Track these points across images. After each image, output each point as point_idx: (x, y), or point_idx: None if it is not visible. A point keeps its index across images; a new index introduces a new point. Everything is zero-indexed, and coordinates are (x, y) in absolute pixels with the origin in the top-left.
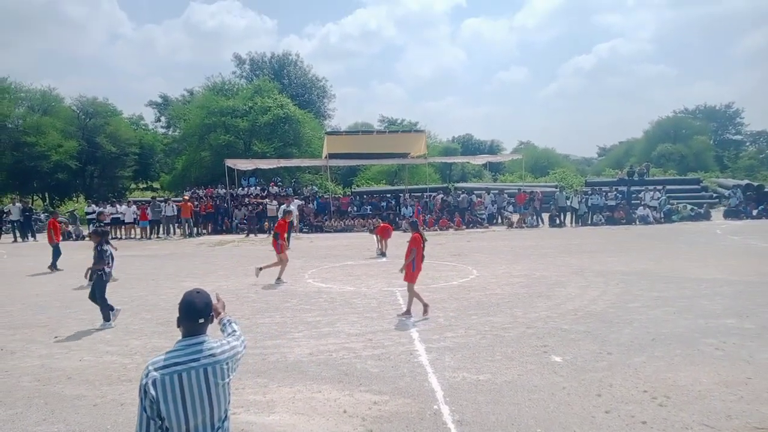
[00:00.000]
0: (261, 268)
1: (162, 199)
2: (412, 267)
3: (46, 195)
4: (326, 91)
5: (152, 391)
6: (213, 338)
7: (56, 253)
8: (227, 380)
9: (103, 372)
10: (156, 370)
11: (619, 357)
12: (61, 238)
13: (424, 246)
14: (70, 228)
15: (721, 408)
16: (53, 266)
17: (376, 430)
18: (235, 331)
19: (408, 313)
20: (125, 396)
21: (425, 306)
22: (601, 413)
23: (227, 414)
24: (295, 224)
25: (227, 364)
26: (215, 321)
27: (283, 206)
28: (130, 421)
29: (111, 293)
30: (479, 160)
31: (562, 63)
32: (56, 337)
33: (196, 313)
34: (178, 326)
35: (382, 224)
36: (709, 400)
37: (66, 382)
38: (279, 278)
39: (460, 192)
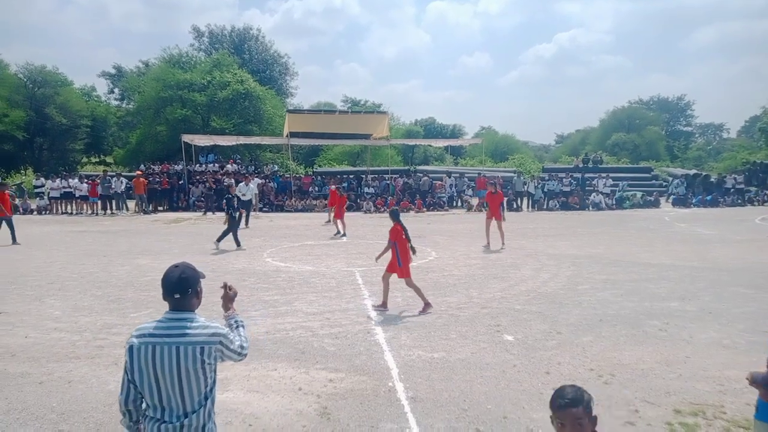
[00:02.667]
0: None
1: (113, 174)
2: (398, 263)
3: None
4: (288, 68)
5: (127, 357)
6: (203, 318)
7: (10, 227)
8: (198, 366)
9: (51, 349)
10: (137, 336)
11: (568, 336)
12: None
13: (407, 237)
14: (17, 201)
15: (661, 385)
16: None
17: (330, 407)
18: (240, 335)
19: (428, 305)
20: (73, 374)
21: (384, 303)
22: (549, 390)
23: (207, 401)
24: (254, 203)
25: (201, 348)
26: (224, 317)
27: (242, 184)
28: (78, 399)
29: (60, 269)
30: (441, 144)
31: (523, 51)
32: (0, 312)
33: (170, 287)
34: (164, 300)
35: (336, 194)
36: (651, 378)
37: (9, 359)
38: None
39: (422, 175)
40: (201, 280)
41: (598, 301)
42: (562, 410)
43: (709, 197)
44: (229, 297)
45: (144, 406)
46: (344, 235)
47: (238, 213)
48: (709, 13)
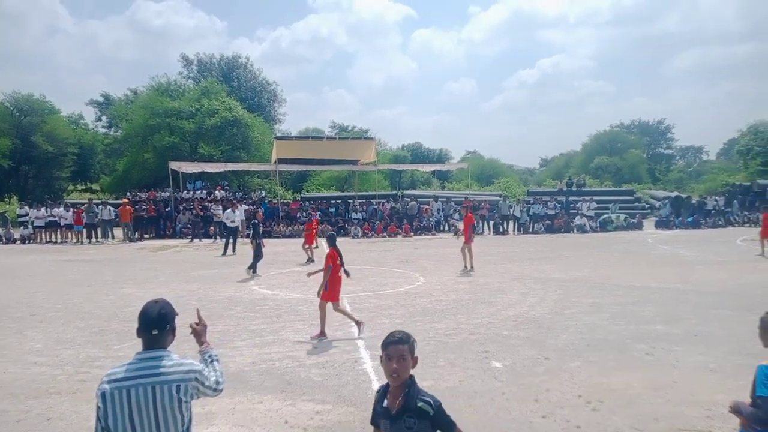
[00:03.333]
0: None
1: (99, 201)
2: (325, 286)
3: None
4: (277, 95)
5: (100, 404)
6: (177, 355)
7: None
8: (175, 404)
9: (30, 384)
10: (108, 382)
11: (556, 362)
12: None
13: (341, 262)
14: (0, 230)
15: (650, 411)
16: None
17: None
18: (215, 369)
19: (360, 323)
20: (53, 410)
21: (321, 332)
22: (538, 418)
23: None
24: (241, 229)
25: (177, 386)
26: (198, 352)
27: (228, 211)
28: None
29: (43, 300)
30: (428, 168)
31: (507, 76)
32: None
33: (149, 323)
34: (138, 336)
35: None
36: (639, 404)
37: None
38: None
39: (409, 199)
40: (175, 317)
41: (585, 325)
42: (392, 346)
43: (690, 219)
44: (198, 332)
45: None
46: (312, 260)
47: (262, 239)
48: (689, 38)
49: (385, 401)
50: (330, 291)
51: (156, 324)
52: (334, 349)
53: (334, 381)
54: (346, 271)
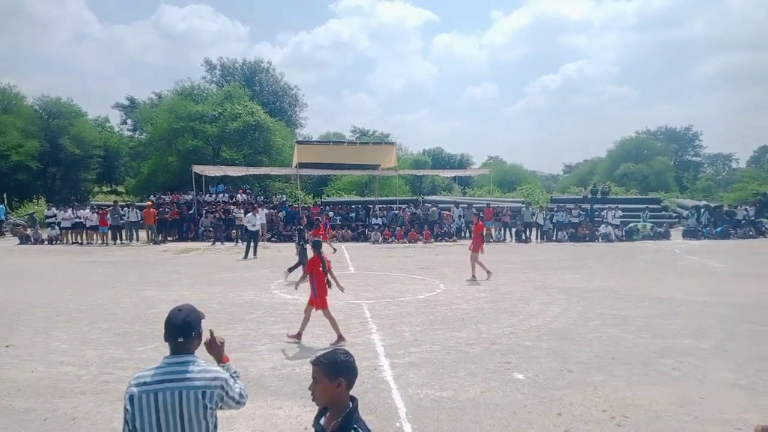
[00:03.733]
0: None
1: (125, 203)
2: (314, 293)
3: (5, 196)
4: (298, 99)
5: (128, 407)
6: (204, 361)
7: None
8: (201, 410)
9: (56, 384)
10: (136, 385)
11: (579, 375)
12: None
13: (324, 269)
14: (29, 231)
15: (676, 428)
16: None
17: None
18: (238, 384)
19: (341, 338)
20: (78, 410)
21: (299, 334)
22: None
23: None
24: (262, 234)
25: (203, 392)
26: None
27: (249, 214)
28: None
29: (69, 301)
30: (449, 174)
31: (530, 81)
32: (8, 345)
33: (173, 330)
34: (165, 341)
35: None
36: (665, 420)
37: (15, 394)
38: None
39: (430, 205)
40: (202, 320)
41: (610, 337)
42: (312, 365)
43: (719, 229)
44: (217, 347)
45: None
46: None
47: (301, 246)
48: (715, 44)
49: (323, 419)
50: (318, 297)
51: (181, 332)
52: (354, 356)
53: (353, 388)
54: (328, 281)
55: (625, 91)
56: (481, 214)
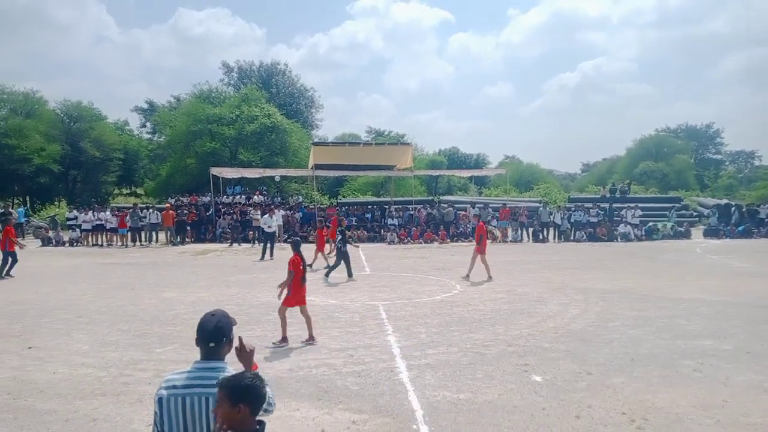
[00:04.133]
0: None
1: (144, 206)
2: (288, 291)
3: (27, 199)
4: (314, 101)
5: (157, 409)
6: (233, 368)
7: (5, 260)
8: None
9: (77, 385)
10: (166, 388)
11: (598, 377)
12: (15, 247)
13: (304, 269)
14: (51, 233)
15: (698, 431)
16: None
17: None
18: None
19: (311, 338)
20: (98, 411)
21: (283, 338)
22: None
23: None
24: (278, 234)
25: None
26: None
27: (266, 216)
28: None
29: (89, 302)
30: (465, 174)
31: (547, 79)
32: (30, 347)
33: (205, 335)
34: (197, 345)
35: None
36: (687, 423)
37: (37, 395)
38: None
39: (446, 205)
40: (233, 327)
41: (629, 339)
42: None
43: (741, 228)
44: (247, 354)
45: None
46: (310, 266)
47: (346, 247)
48: (737, 40)
49: None
50: (293, 296)
51: (213, 337)
52: (370, 358)
53: (370, 390)
54: (302, 278)
55: (644, 88)
56: (481, 215)
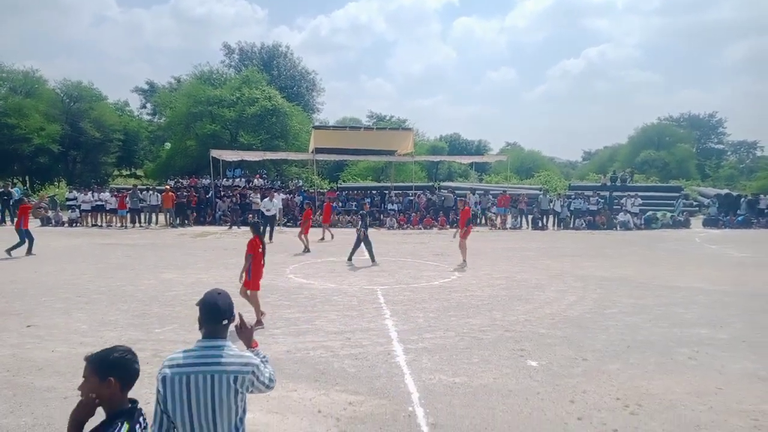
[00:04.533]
0: None
1: (144, 187)
2: (248, 275)
3: (27, 179)
4: (315, 84)
5: (161, 388)
6: (236, 347)
7: (22, 239)
8: (232, 395)
9: (76, 364)
10: (169, 367)
11: (594, 363)
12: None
13: (263, 251)
14: (50, 213)
15: (691, 417)
16: (29, 251)
17: (349, 431)
18: (267, 369)
19: (259, 323)
20: None
21: (258, 320)
22: (574, 420)
23: (238, 431)
24: (278, 218)
25: (235, 377)
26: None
27: (266, 200)
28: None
29: (88, 282)
30: (465, 160)
31: (550, 66)
32: (29, 325)
33: (219, 314)
34: (200, 327)
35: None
36: (680, 410)
37: (36, 373)
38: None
39: (446, 191)
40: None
41: (626, 326)
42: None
43: (740, 218)
44: (248, 331)
45: None
46: (308, 251)
47: (364, 231)
48: (742, 28)
49: None
50: (252, 279)
51: (223, 314)
52: (368, 341)
53: (367, 373)
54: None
55: (648, 76)
56: (467, 200)
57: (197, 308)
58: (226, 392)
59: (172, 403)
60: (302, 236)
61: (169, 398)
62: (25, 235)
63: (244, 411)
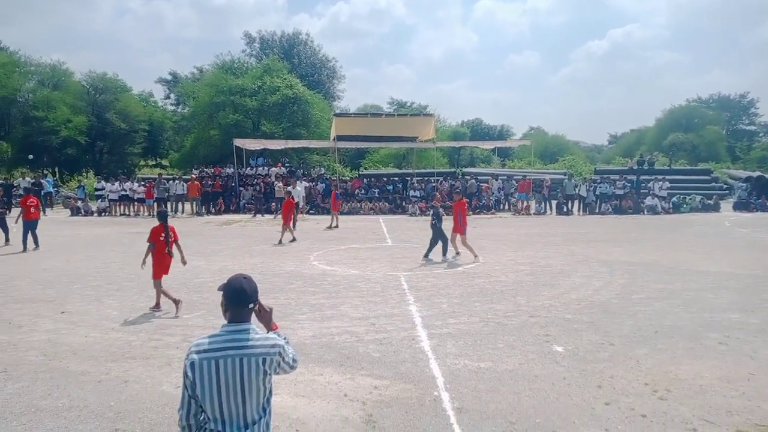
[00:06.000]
0: None
1: (169, 176)
2: (143, 262)
3: (56, 170)
4: (336, 71)
5: (189, 374)
6: (260, 330)
7: (25, 231)
8: (261, 377)
9: (108, 348)
10: (197, 353)
11: (621, 348)
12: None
13: (166, 240)
14: (79, 203)
15: (722, 403)
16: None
17: (375, 415)
18: (290, 349)
19: (157, 306)
20: (129, 373)
21: (157, 304)
22: (601, 405)
23: (266, 412)
24: (301, 206)
25: (263, 359)
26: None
27: (289, 188)
28: (134, 399)
29: (118, 269)
30: (488, 145)
31: (574, 48)
32: (63, 312)
33: (246, 298)
34: (225, 312)
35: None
36: (711, 395)
37: (71, 357)
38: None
39: (468, 177)
40: None
41: (654, 311)
42: None
43: None
44: (267, 314)
45: (203, 419)
46: (294, 239)
47: (441, 224)
48: None
49: None
50: (157, 266)
51: (251, 298)
52: (392, 326)
53: (391, 357)
54: (169, 251)
55: (676, 56)
56: (461, 192)
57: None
58: (255, 374)
59: (201, 387)
60: (284, 227)
61: (198, 383)
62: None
63: (270, 392)
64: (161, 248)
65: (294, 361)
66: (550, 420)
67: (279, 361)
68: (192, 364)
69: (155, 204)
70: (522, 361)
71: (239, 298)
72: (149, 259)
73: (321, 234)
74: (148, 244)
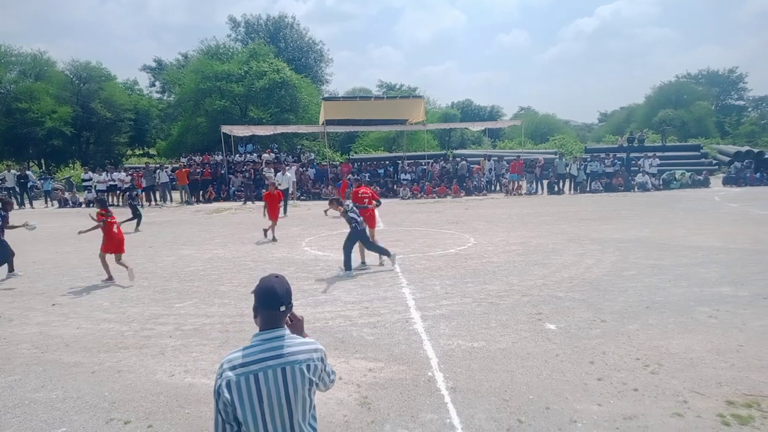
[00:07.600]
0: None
1: (156, 165)
2: (102, 240)
3: (42, 161)
4: (323, 55)
5: (227, 394)
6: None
7: None
8: (306, 386)
9: (101, 339)
10: (231, 369)
11: (612, 325)
12: None
13: (105, 224)
14: (67, 195)
15: (712, 375)
16: None
17: (371, 397)
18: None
19: (110, 278)
20: (122, 363)
21: (109, 277)
22: (594, 380)
23: (310, 424)
24: (291, 191)
25: (308, 365)
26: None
27: (279, 174)
28: (127, 388)
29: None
30: (478, 127)
31: (563, 26)
32: (54, 304)
33: (277, 299)
34: (255, 317)
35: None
36: (701, 368)
37: (64, 349)
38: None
39: (459, 159)
40: None
41: (645, 287)
42: None
43: (758, 174)
44: (298, 322)
45: None
46: (274, 239)
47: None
48: None
49: None
50: (107, 243)
51: (284, 300)
52: (385, 309)
53: (385, 340)
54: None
55: (666, 33)
56: (362, 179)
57: (252, 295)
58: (301, 384)
59: (242, 408)
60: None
61: (237, 403)
62: None
63: (313, 406)
64: (109, 227)
65: (333, 373)
66: (544, 396)
67: (322, 367)
68: (228, 384)
69: (144, 193)
70: (515, 340)
71: (270, 299)
72: (100, 234)
73: (313, 219)
74: (99, 223)
